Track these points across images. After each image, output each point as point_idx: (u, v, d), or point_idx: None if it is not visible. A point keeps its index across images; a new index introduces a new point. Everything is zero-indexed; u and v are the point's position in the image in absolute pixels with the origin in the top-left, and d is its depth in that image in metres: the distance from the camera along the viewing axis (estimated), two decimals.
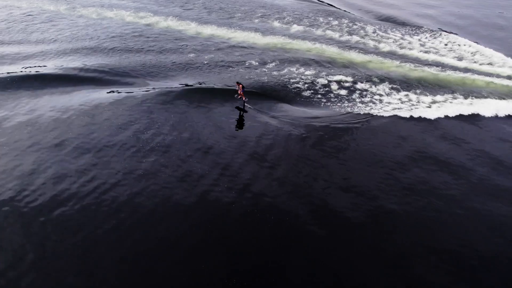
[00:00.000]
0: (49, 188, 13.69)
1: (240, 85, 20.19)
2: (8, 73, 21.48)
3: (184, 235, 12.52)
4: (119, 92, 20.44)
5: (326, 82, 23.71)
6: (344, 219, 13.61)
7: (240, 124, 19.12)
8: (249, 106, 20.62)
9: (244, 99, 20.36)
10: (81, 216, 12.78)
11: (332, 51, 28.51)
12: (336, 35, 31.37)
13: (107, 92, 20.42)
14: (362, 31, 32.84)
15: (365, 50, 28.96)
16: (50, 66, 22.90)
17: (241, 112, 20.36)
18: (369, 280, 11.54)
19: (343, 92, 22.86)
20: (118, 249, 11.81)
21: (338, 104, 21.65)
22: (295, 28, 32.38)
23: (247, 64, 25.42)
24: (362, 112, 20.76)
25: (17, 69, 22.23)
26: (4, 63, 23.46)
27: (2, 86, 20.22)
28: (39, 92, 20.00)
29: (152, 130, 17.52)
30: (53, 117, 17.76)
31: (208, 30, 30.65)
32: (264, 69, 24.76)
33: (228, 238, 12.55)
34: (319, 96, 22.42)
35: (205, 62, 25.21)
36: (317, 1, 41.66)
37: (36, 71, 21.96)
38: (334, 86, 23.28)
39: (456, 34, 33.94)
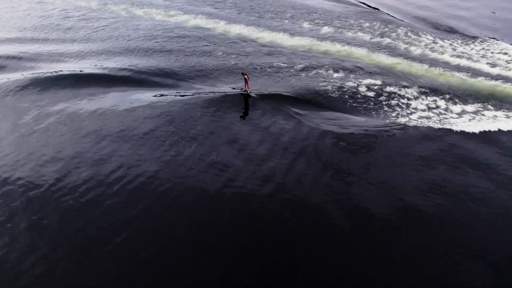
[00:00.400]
0: (91, 175, 14.97)
1: (246, 77, 21.33)
2: (47, 72, 22.45)
3: (220, 226, 13.31)
4: (161, 95, 21.17)
5: (355, 85, 23.70)
6: (377, 220, 13.90)
7: (273, 126, 19.27)
8: (254, 95, 21.55)
9: (249, 92, 21.49)
10: (130, 198, 14.10)
11: (360, 53, 28.30)
12: (367, 37, 31.14)
13: (150, 94, 21.24)
14: (393, 33, 32.43)
15: (394, 53, 28.65)
16: (89, 66, 23.81)
17: (249, 99, 21.41)
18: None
19: (371, 94, 22.81)
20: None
21: (366, 107, 21.64)
22: (325, 29, 32.33)
23: (283, 67, 25.46)
24: (389, 117, 20.69)
25: (56, 68, 23.22)
26: (43, 60, 24.42)
27: (41, 85, 21.08)
28: (80, 91, 20.80)
29: (191, 131, 18.09)
30: (96, 115, 18.70)
31: (247, 32, 30.83)
32: (302, 73, 24.81)
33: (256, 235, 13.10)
34: (347, 98, 22.38)
35: (248, 66, 25.42)
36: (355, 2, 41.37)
37: (79, 70, 22.92)
38: (362, 89, 23.28)
39: (493, 38, 32.91)
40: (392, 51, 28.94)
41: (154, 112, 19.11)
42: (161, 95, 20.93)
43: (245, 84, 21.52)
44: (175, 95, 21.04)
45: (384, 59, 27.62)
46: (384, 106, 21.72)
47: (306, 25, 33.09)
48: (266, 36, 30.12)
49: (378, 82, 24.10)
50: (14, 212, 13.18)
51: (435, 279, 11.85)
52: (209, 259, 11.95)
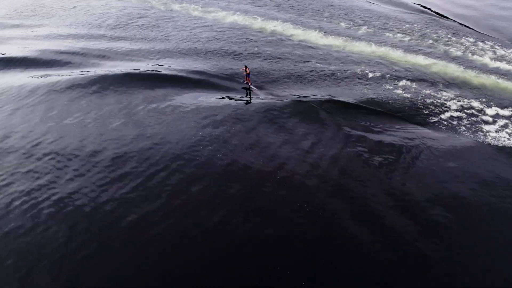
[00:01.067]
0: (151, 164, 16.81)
1: (247, 70, 22.77)
2: (120, 70, 24.41)
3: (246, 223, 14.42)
4: (223, 98, 22.19)
5: (391, 87, 24.52)
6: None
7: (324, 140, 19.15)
8: (254, 88, 22.98)
9: (250, 84, 23.03)
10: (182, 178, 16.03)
11: (397, 54, 28.94)
12: (406, 38, 31.61)
13: (216, 97, 22.28)
14: (434, 34, 32.72)
15: (433, 54, 29.04)
16: (160, 66, 25.26)
17: (247, 92, 22.86)
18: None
19: (407, 95, 23.30)
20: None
21: (401, 107, 22.11)
22: (362, 30, 33.02)
23: (358, 75, 25.50)
24: (423, 119, 21.17)
25: (128, 67, 25.10)
26: (116, 59, 26.60)
27: (114, 82, 22.85)
28: (157, 91, 22.31)
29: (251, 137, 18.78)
30: (159, 115, 20.20)
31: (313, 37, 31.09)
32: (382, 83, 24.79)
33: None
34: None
35: (308, 70, 25.58)
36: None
37: (155, 70, 24.42)
38: (398, 91, 23.90)
39: None
40: (430, 52, 29.21)
41: (219, 114, 20.14)
42: (230, 99, 21.87)
43: (246, 77, 22.75)
44: (240, 99, 21.85)
45: (421, 60, 27.96)
46: (420, 108, 21.78)
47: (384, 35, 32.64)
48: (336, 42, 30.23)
49: (414, 84, 24.49)
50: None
51: None
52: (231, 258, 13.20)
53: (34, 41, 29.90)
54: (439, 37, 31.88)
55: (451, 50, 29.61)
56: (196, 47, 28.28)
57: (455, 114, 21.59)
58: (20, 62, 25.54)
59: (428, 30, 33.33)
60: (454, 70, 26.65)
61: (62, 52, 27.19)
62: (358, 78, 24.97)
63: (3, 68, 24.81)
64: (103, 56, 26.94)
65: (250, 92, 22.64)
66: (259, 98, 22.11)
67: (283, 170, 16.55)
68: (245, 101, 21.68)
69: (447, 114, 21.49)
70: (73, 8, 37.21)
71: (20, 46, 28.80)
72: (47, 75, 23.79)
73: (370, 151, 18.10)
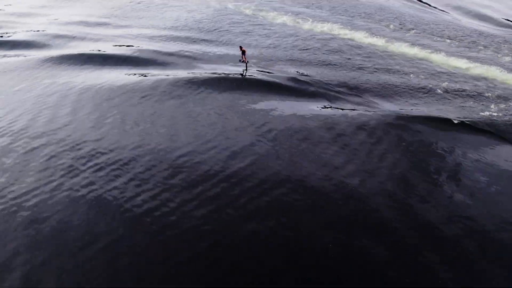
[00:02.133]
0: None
1: (244, 50, 24.45)
2: (214, 73, 24.94)
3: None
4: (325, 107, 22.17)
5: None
6: None
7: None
8: (247, 68, 24.72)
9: (246, 61, 24.69)
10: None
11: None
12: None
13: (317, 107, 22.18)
14: None
15: None
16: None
17: (244, 72, 24.38)
18: None
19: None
20: None
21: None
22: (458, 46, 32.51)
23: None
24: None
25: (217, 69, 25.70)
26: (210, 61, 27.19)
27: (208, 84, 23.41)
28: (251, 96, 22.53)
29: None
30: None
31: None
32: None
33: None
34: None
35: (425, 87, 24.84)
36: None
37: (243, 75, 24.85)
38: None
39: None
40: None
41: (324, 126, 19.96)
42: (330, 107, 21.94)
43: (243, 56, 24.59)
44: (346, 110, 21.60)
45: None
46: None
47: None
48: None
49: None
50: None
51: None
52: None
53: (131, 40, 31.32)
54: None
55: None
56: (286, 54, 28.87)
57: None
58: (118, 60, 26.82)
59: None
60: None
61: (157, 52, 28.30)
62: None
63: (100, 65, 26.27)
64: (198, 58, 27.82)
65: (246, 68, 24.84)
66: (347, 109, 21.90)
67: None
68: (339, 110, 21.61)
69: None
70: (166, 10, 39.05)
71: (114, 43, 30.31)
72: (144, 74, 24.85)
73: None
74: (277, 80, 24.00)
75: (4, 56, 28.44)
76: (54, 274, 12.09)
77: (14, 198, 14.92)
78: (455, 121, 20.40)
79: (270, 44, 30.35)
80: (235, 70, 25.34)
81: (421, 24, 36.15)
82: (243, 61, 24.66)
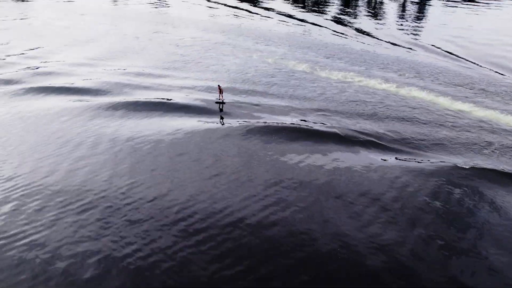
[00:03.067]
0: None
1: (221, 88, 27.90)
2: (277, 123, 25.89)
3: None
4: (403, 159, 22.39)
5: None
6: None
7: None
8: (224, 103, 28.13)
9: (222, 99, 28.21)
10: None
11: None
12: None
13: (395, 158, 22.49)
14: None
15: None
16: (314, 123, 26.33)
17: (220, 106, 27.92)
18: None
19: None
20: None
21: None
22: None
23: None
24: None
25: (277, 120, 26.64)
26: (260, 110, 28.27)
27: (264, 133, 24.43)
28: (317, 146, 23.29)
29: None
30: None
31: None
32: None
33: None
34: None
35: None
36: None
37: (308, 126, 25.67)
38: None
39: None
40: None
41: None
42: (402, 159, 22.15)
43: (220, 94, 27.96)
44: (411, 161, 21.84)
45: None
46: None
47: None
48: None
49: None
50: None
51: None
52: None
53: (187, 90, 32.80)
54: None
55: None
56: (344, 108, 29.41)
57: None
58: (174, 107, 28.53)
59: None
60: None
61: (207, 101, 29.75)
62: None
63: (163, 112, 27.79)
64: (246, 107, 28.97)
65: (222, 105, 28.20)
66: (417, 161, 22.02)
67: None
68: (416, 162, 21.63)
69: None
70: (205, 61, 41.26)
71: (175, 92, 32.00)
72: (203, 121, 26.08)
73: None
74: (333, 130, 24.58)
75: (69, 101, 30.35)
76: None
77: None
78: None
79: (328, 97, 31.15)
80: (282, 119, 26.35)
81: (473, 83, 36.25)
82: (219, 99, 28.39)
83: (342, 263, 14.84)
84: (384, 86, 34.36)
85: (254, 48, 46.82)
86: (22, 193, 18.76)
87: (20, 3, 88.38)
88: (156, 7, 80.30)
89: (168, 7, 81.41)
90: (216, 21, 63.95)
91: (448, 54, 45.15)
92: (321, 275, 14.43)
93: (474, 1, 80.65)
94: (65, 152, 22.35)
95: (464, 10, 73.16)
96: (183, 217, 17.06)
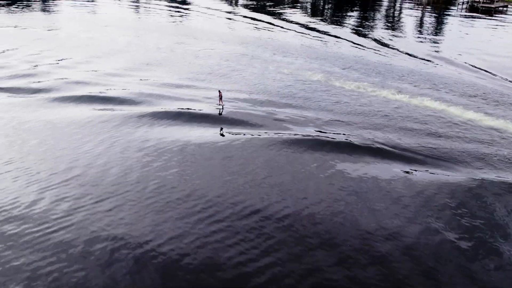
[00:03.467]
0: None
1: (221, 94, 29.85)
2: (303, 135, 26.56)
3: None
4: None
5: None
6: None
7: None
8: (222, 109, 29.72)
9: (222, 104, 30.00)
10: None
11: None
12: None
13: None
14: None
15: None
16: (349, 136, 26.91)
17: (220, 111, 29.61)
18: None
19: None
20: None
21: None
22: None
23: None
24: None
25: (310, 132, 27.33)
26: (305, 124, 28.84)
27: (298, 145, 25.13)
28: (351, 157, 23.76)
29: None
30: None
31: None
32: None
33: None
34: None
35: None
36: None
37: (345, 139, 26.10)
38: None
39: None
40: None
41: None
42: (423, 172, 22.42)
43: (220, 100, 29.80)
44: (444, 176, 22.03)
45: None
46: None
47: None
48: None
49: None
50: None
51: None
52: None
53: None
54: None
55: None
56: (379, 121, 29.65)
57: None
58: (208, 118, 29.43)
59: None
60: None
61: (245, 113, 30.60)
62: None
63: (191, 122, 28.89)
64: (272, 118, 29.86)
65: (222, 109, 29.98)
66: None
67: None
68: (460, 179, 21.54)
69: None
70: (232, 72, 42.37)
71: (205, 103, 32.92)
72: (237, 133, 27.03)
73: None
74: (367, 143, 25.00)
75: (103, 109, 32.01)
76: None
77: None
78: None
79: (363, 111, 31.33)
80: (308, 131, 27.04)
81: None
82: (219, 104, 30.29)
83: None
84: (398, 96, 34.71)
85: (271, 59, 48.13)
86: (77, 190, 20.31)
87: (47, 14, 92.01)
88: (177, 20, 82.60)
89: (189, 19, 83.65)
90: (236, 33, 65.63)
91: (471, 67, 45.18)
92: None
93: (492, 15, 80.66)
94: (98, 153, 24.10)
95: (482, 23, 73.32)
96: (221, 210, 18.62)
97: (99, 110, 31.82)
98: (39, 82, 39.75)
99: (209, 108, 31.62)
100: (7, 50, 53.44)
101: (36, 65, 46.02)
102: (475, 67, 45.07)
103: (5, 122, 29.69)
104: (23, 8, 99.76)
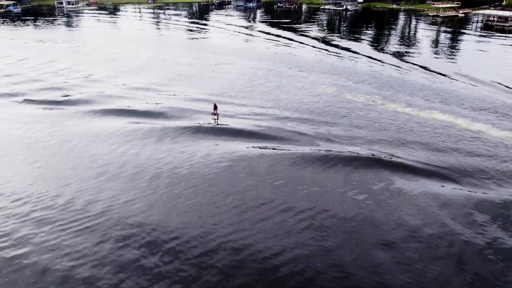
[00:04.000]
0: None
1: (216, 106, 31.62)
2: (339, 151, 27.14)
3: None
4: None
5: None
6: None
7: None
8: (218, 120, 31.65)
9: (217, 116, 31.69)
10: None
11: None
12: None
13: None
14: None
15: None
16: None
17: (215, 121, 31.51)
18: None
19: None
20: None
21: None
22: None
23: None
24: None
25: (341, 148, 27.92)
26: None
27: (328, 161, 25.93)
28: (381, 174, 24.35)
29: None
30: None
31: None
32: None
33: None
34: None
35: None
36: None
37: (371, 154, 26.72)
38: None
39: None
40: None
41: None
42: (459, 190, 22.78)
43: (215, 110, 31.57)
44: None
45: None
46: None
47: None
48: None
49: None
50: None
51: None
52: None
53: (252, 116, 34.74)
54: None
55: None
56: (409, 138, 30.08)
57: None
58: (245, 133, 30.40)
59: None
60: None
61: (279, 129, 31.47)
62: None
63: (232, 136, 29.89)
64: (306, 135, 30.60)
65: (217, 120, 31.74)
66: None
67: None
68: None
69: None
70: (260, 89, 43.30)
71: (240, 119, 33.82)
72: (272, 147, 28.08)
73: None
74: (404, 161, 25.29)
75: (131, 123, 33.37)
76: None
77: None
78: None
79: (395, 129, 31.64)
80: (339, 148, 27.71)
81: None
82: (214, 114, 32.00)
83: None
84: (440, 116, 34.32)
85: (286, 73, 49.42)
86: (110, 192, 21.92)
87: (70, 29, 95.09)
88: (196, 35, 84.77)
89: (208, 35, 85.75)
90: (253, 49, 67.29)
91: (489, 82, 45.63)
92: None
93: (508, 33, 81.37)
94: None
95: (497, 41, 73.99)
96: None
97: (136, 123, 33.09)
98: (74, 95, 41.61)
99: (234, 122, 32.85)
100: (38, 64, 55.94)
101: (70, 78, 48.02)
102: (499, 83, 45.28)
103: (49, 133, 31.56)
104: (47, 23, 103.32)
